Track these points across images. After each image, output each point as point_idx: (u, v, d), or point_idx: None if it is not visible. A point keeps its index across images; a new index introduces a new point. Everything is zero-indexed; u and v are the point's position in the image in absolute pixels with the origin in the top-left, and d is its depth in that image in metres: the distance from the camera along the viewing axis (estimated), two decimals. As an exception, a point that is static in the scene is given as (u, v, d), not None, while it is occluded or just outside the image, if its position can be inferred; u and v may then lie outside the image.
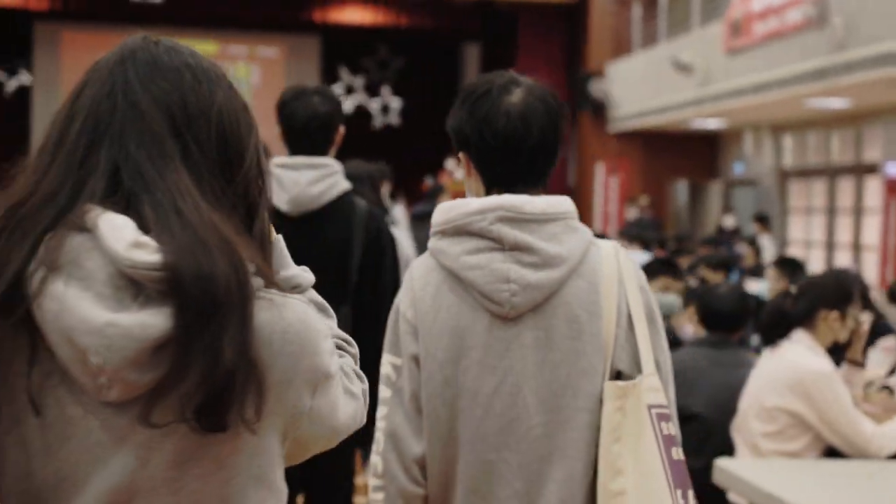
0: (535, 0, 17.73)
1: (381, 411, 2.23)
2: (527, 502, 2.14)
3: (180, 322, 1.21)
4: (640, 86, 16.11)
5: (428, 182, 16.73)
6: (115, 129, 1.30)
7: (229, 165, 1.34)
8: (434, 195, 11.82)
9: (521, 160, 2.19)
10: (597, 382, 2.15)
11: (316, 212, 3.49)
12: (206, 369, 1.21)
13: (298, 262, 1.48)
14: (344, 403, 1.43)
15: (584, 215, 17.57)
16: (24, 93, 20.03)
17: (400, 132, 20.80)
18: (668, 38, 15.86)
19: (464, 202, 2.18)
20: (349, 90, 20.48)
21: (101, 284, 1.23)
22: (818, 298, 3.74)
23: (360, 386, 1.49)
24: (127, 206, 1.27)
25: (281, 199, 3.41)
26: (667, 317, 4.98)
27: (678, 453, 2.17)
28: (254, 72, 21.04)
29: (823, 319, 3.72)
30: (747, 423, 3.77)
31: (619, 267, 2.19)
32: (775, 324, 3.80)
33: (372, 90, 20.65)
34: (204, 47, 20.71)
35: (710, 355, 4.16)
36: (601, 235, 2.64)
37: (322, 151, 3.51)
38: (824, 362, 3.68)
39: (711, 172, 17.21)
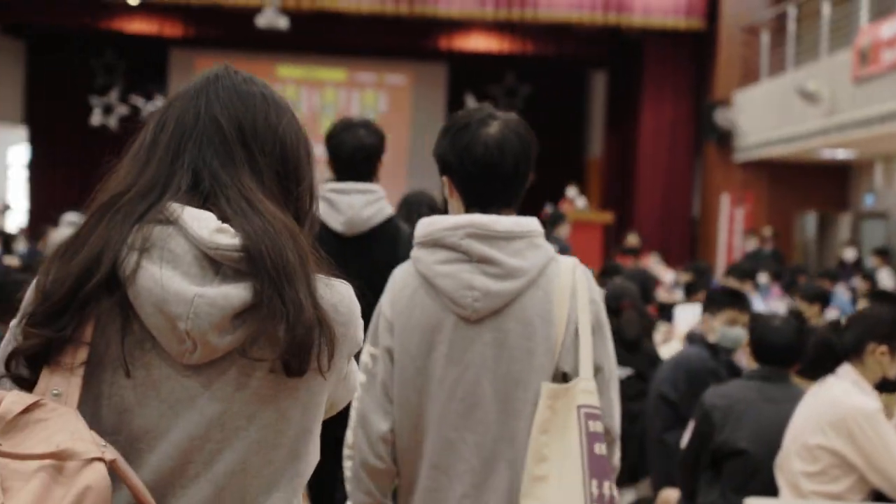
0: (662, 27, 17.44)
1: (356, 393, 2.49)
2: (481, 478, 2.47)
3: (259, 291, 1.48)
4: (767, 115, 15.70)
5: (547, 209, 16.60)
6: (197, 137, 1.57)
7: (287, 180, 1.61)
8: (554, 222, 11.69)
9: (496, 184, 2.50)
10: (544, 380, 2.46)
11: (366, 233, 3.74)
12: (292, 318, 1.48)
13: (354, 277, 1.68)
14: (354, 380, 1.75)
15: (708, 247, 17.26)
16: (158, 117, 20.57)
17: (524, 160, 20.65)
18: (795, 65, 15.43)
19: (441, 219, 2.50)
20: (475, 118, 20.45)
21: (187, 265, 1.49)
22: (867, 331, 3.51)
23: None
24: (204, 200, 1.54)
25: (336, 220, 3.69)
26: (731, 350, 4.77)
27: (601, 449, 2.43)
28: (381, 99, 21.23)
29: (871, 353, 3.50)
30: (789, 461, 3.56)
31: (574, 281, 2.49)
32: (822, 357, 3.59)
33: (498, 118, 20.58)
34: (333, 74, 21.04)
35: (761, 389, 3.95)
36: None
37: (367, 178, 3.77)
38: (869, 399, 3.45)
39: (841, 204, 16.65)
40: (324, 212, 3.67)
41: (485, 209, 2.50)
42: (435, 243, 2.50)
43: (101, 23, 18.59)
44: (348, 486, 2.61)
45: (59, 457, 1.38)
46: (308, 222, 1.64)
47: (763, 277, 11.45)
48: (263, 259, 1.48)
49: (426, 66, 21.14)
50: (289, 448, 1.56)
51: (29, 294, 1.54)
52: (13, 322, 1.55)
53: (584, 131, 21.90)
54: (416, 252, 2.55)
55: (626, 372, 5.47)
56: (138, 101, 20.27)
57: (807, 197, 16.67)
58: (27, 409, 1.43)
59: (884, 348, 3.49)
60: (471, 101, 20.44)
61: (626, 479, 5.41)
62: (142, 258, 1.48)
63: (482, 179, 2.49)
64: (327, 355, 1.53)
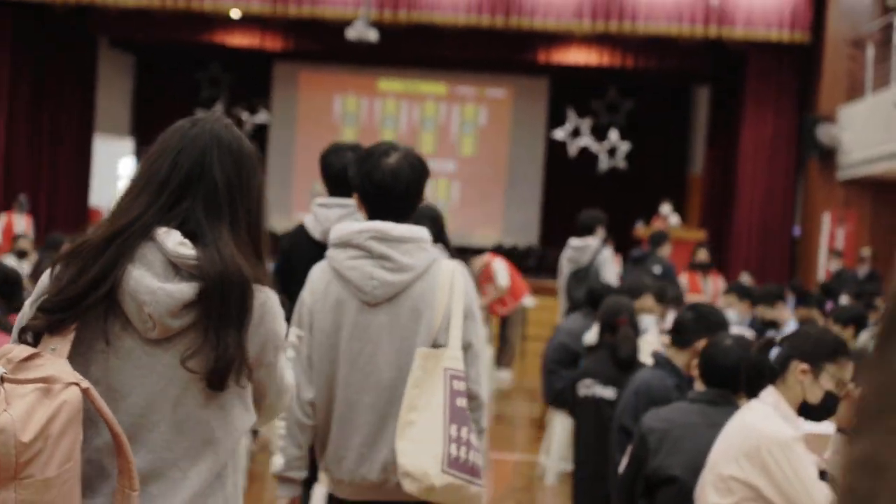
0: (766, 39, 16.90)
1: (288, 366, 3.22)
2: (377, 429, 3.15)
3: (202, 291, 2.09)
4: (871, 131, 15.06)
5: (639, 227, 16.23)
6: (196, 193, 2.17)
7: (255, 227, 2.23)
8: (657, 242, 11.42)
9: (390, 202, 3.18)
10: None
11: None
12: (219, 353, 2.09)
13: None
14: (288, 376, 2.33)
15: (809, 267, 16.63)
16: (260, 131, 20.79)
17: (625, 176, 20.29)
18: (899, 80, 14.75)
19: (351, 225, 3.22)
20: (575, 133, 20.14)
21: (157, 267, 2.11)
22: (791, 348, 3.22)
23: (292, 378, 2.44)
24: (188, 238, 2.15)
25: (316, 230, 4.28)
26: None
27: (462, 402, 3.10)
28: (481, 113, 21.10)
29: (792, 372, 3.20)
30: (705, 493, 3.28)
31: (452, 278, 3.16)
32: (752, 379, 3.31)
33: (599, 133, 20.24)
34: (434, 88, 21.00)
35: (704, 412, 3.67)
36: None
37: (350, 194, 4.25)
38: (787, 426, 3.15)
39: (949, 225, 15.85)
40: (309, 223, 4.35)
41: (383, 220, 3.17)
42: (346, 244, 3.17)
43: (205, 36, 18.89)
44: (281, 443, 3.28)
45: (47, 381, 2.00)
46: (263, 253, 2.25)
47: (844, 299, 10.94)
48: (207, 268, 2.10)
49: (527, 79, 20.94)
50: (226, 406, 2.16)
51: (45, 279, 2.15)
52: (29, 300, 2.16)
53: (687, 147, 21.41)
54: (330, 252, 3.22)
55: (616, 393, 5.20)
56: (242, 114, 20.52)
57: (913, 217, 15.93)
58: (30, 357, 2.05)
59: (805, 367, 3.19)
60: (572, 116, 20.16)
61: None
62: (127, 265, 2.10)
63: (379, 198, 3.19)
64: (244, 378, 2.15)
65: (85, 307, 2.09)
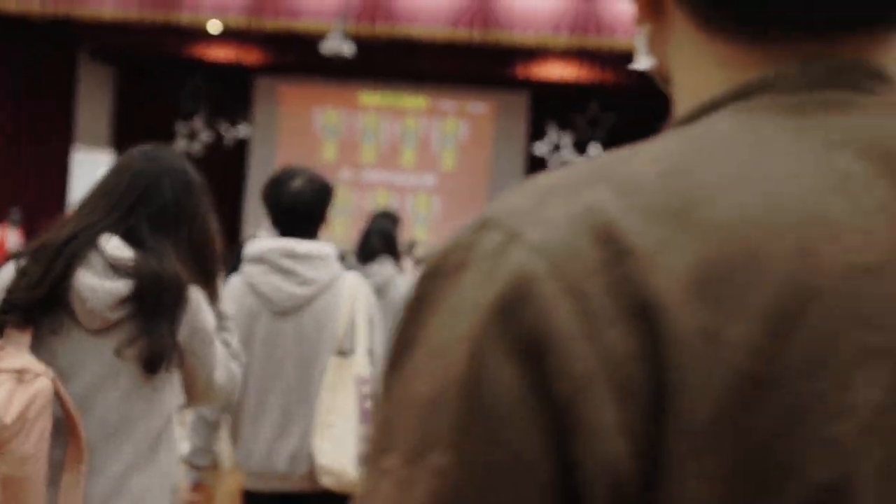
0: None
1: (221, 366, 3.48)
2: (282, 426, 3.51)
3: (136, 289, 2.47)
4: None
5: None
6: (148, 209, 2.58)
7: (203, 246, 2.65)
8: None
9: (294, 222, 3.58)
10: (329, 358, 3.51)
11: None
12: (153, 342, 2.47)
13: None
14: (222, 368, 2.71)
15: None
16: (241, 144, 20.76)
17: (606, 191, 20.19)
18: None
19: (264, 242, 3.60)
20: (556, 147, 20.11)
21: (98, 268, 2.49)
22: None
23: (237, 366, 2.82)
24: (132, 244, 2.55)
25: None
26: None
27: (368, 404, 3.47)
28: (462, 127, 21.05)
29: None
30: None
31: (355, 291, 3.57)
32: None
33: (580, 148, 20.20)
34: (414, 103, 20.97)
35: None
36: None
37: None
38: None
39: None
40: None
41: (290, 237, 3.58)
42: (259, 260, 3.56)
43: (186, 50, 18.87)
44: (189, 432, 3.63)
45: (21, 371, 2.35)
46: (209, 268, 2.69)
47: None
48: (146, 301, 2.48)
49: (508, 94, 20.89)
50: (157, 385, 2.54)
51: (10, 269, 2.51)
52: None
53: (668, 162, 21.37)
54: (246, 267, 3.60)
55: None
56: (222, 126, 20.48)
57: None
58: None
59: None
60: (552, 131, 20.14)
61: None
62: (77, 268, 2.47)
63: (285, 219, 3.60)
64: (174, 364, 2.55)
65: (50, 304, 2.47)
